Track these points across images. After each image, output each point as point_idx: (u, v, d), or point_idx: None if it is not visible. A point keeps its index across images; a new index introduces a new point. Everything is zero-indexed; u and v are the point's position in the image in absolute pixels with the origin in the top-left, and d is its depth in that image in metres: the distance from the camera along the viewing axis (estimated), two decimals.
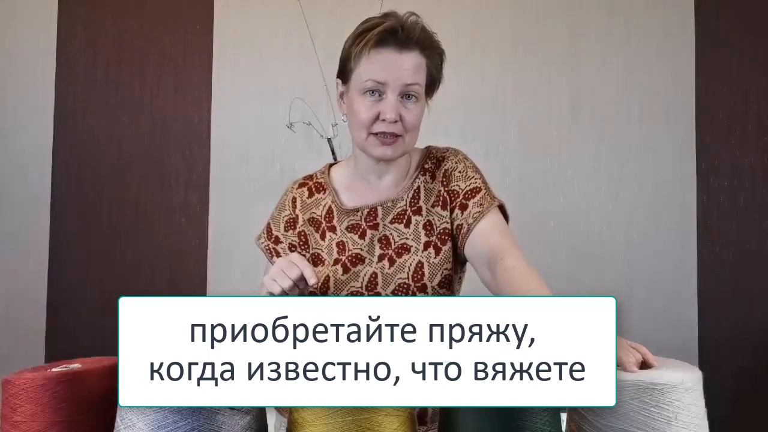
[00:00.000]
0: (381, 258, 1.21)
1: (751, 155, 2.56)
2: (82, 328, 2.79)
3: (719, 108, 2.58)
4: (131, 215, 2.80)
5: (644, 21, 2.62)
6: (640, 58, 2.62)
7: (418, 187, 1.25)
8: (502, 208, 1.23)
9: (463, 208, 1.20)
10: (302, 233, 1.27)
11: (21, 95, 2.87)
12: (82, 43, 2.87)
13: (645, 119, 2.61)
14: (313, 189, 1.30)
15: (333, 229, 1.25)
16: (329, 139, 2.47)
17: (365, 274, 1.20)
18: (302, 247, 1.26)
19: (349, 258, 1.21)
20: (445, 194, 1.23)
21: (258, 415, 0.79)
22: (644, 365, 0.80)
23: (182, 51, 2.82)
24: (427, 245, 1.20)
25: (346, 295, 1.19)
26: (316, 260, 1.24)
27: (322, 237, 1.25)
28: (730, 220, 2.56)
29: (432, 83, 1.23)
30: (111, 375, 0.83)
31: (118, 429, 0.73)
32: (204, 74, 2.80)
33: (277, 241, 1.28)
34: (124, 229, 2.80)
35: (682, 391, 0.72)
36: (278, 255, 1.25)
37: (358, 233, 1.23)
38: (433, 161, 1.27)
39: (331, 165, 1.34)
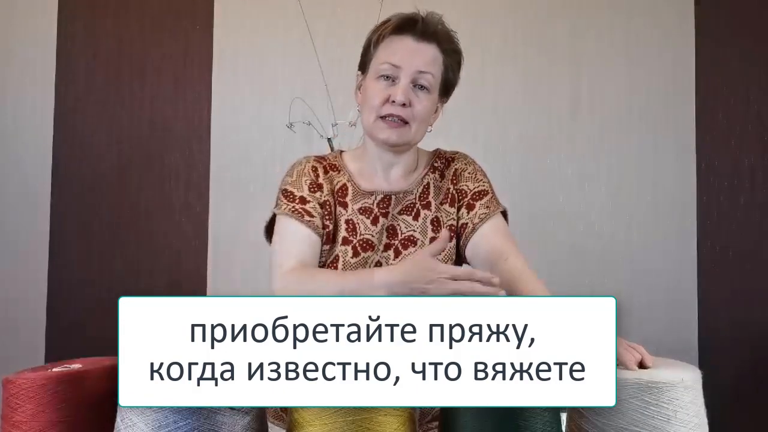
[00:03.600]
0: (387, 248, 1.22)
1: (751, 155, 2.56)
2: (82, 328, 2.79)
3: (719, 108, 2.58)
4: (131, 215, 2.80)
5: (644, 21, 2.62)
6: (641, 58, 2.62)
7: (428, 183, 1.27)
8: (504, 215, 1.25)
9: (470, 207, 1.23)
10: (327, 202, 1.24)
11: (21, 95, 2.87)
12: (82, 43, 2.87)
13: (645, 119, 2.61)
14: (327, 167, 1.29)
15: (344, 205, 1.25)
16: (329, 139, 2.47)
17: (372, 262, 1.21)
18: (327, 218, 1.23)
19: (360, 242, 1.22)
20: (454, 192, 1.26)
21: (258, 415, 0.79)
22: (641, 365, 0.80)
23: (182, 51, 2.82)
24: (432, 240, 1.21)
25: None
26: (334, 236, 1.23)
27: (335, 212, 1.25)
28: (730, 220, 2.56)
29: (447, 83, 1.25)
30: (111, 375, 0.83)
31: (118, 429, 0.73)
32: (204, 74, 2.80)
33: (303, 201, 1.22)
34: (124, 229, 2.80)
35: (681, 389, 0.72)
36: (310, 216, 1.20)
37: (371, 218, 1.23)
38: (442, 161, 1.30)
39: (341, 151, 1.35)
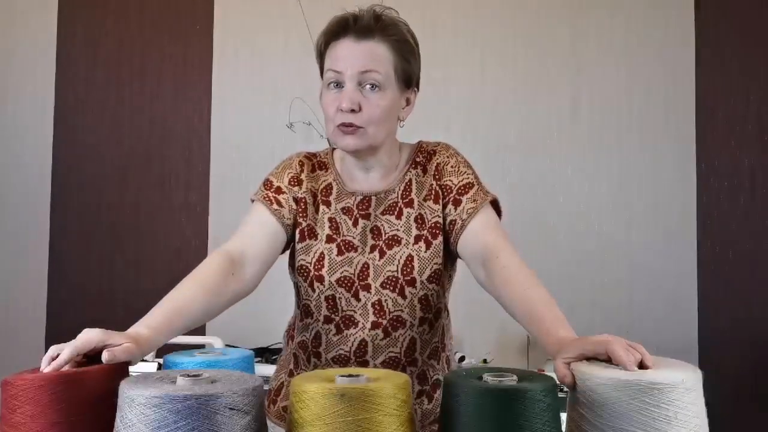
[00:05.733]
0: (372, 249, 1.20)
1: (751, 155, 2.56)
2: (82, 328, 2.78)
3: (719, 108, 2.58)
4: (131, 215, 2.80)
5: (644, 22, 2.62)
6: (641, 59, 2.62)
7: (410, 180, 1.24)
8: (494, 203, 1.22)
9: (457, 203, 1.19)
10: (303, 200, 1.24)
11: (21, 95, 2.87)
12: (82, 43, 2.87)
13: (645, 119, 2.61)
14: (316, 165, 1.30)
15: (328, 203, 1.24)
16: (329, 139, 2.47)
17: (358, 263, 1.19)
18: (301, 215, 1.23)
19: (343, 242, 1.21)
20: (437, 188, 1.23)
21: (258, 415, 0.78)
22: (641, 365, 0.79)
23: (182, 51, 2.82)
24: (417, 239, 1.20)
25: (339, 278, 1.19)
26: (310, 233, 1.23)
27: (316, 210, 1.25)
28: (730, 220, 2.56)
29: (406, 74, 1.20)
30: (111, 375, 0.83)
31: (117, 429, 0.73)
32: (204, 74, 2.80)
33: (279, 191, 1.24)
34: (124, 229, 2.80)
35: (682, 390, 0.72)
36: (279, 204, 1.22)
37: (351, 219, 1.22)
38: (424, 155, 1.27)
39: (333, 149, 1.34)
